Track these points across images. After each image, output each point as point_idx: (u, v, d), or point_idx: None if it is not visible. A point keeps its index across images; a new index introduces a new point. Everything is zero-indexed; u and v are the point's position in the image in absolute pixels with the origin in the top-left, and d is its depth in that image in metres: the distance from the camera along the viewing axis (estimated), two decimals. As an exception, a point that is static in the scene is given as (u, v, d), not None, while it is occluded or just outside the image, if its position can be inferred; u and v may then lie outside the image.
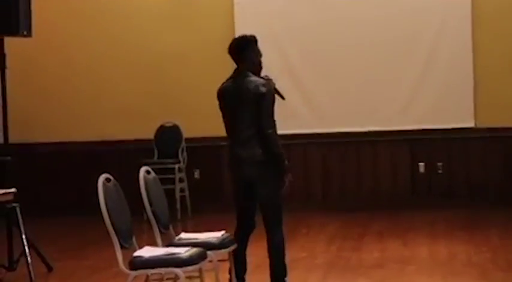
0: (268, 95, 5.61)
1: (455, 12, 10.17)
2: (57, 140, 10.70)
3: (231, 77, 5.74)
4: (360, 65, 10.30)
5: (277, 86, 5.80)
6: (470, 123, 10.18)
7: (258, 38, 5.78)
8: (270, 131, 5.59)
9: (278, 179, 5.68)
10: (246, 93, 5.60)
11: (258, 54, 5.74)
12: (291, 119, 10.17)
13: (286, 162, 5.67)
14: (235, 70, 5.75)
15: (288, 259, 7.30)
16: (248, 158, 5.64)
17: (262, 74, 5.76)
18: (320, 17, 10.35)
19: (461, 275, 6.47)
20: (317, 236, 8.53)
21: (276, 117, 5.70)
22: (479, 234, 8.27)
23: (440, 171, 10.32)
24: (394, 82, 10.27)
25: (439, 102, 10.19)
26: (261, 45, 5.79)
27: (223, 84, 5.76)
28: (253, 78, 5.65)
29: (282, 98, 5.84)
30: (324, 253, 7.60)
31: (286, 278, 5.76)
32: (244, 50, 5.69)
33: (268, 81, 5.68)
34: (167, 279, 5.16)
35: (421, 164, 10.36)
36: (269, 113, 5.62)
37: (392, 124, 10.28)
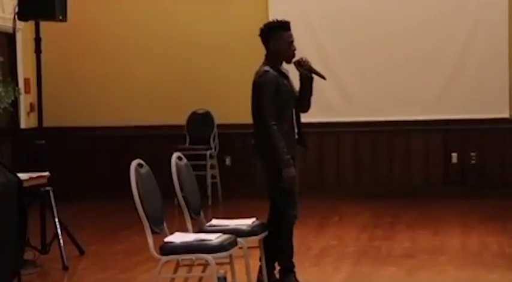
0: (256, 86, 5.59)
1: (492, 2, 10.06)
2: (91, 125, 10.78)
3: None
4: (395, 53, 10.23)
5: (314, 67, 5.76)
6: (504, 114, 10.08)
7: (292, 25, 5.74)
8: (267, 122, 5.53)
9: (273, 172, 5.61)
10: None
11: (285, 39, 5.65)
12: (323, 107, 10.13)
13: (287, 157, 5.53)
14: None
15: (318, 247, 7.31)
16: (253, 147, 5.79)
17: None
18: (354, 4, 10.30)
19: (492, 267, 6.42)
20: (348, 225, 8.51)
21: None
22: (512, 226, 8.21)
23: (473, 162, 10.24)
24: (428, 72, 10.19)
25: (474, 92, 10.10)
26: (295, 33, 5.74)
27: None
28: (260, 68, 5.65)
29: (323, 78, 5.79)
30: (355, 242, 7.59)
31: (294, 269, 5.75)
32: (268, 36, 5.67)
33: (264, 73, 5.59)
34: (197, 265, 5.18)
35: (454, 154, 10.28)
36: (262, 104, 5.55)
37: (425, 114, 10.21)
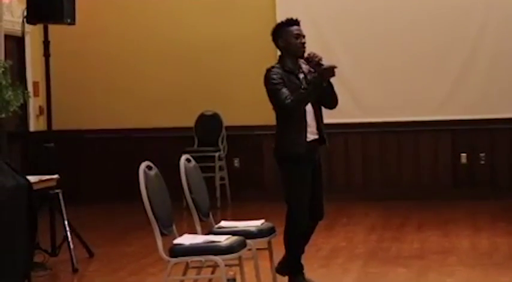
0: (264, 81, 5.60)
1: (501, 2, 10.04)
2: (100, 127, 10.80)
3: None
4: (403, 53, 10.21)
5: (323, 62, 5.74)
6: (514, 114, 10.06)
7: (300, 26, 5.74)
8: (286, 102, 5.48)
9: (284, 175, 5.67)
10: None
11: (291, 32, 5.64)
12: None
13: (309, 86, 5.57)
14: None
15: (327, 249, 7.31)
16: (273, 150, 5.79)
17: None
18: (362, 5, 10.29)
19: (503, 267, 6.40)
20: (357, 226, 8.50)
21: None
22: (522, 226, 8.19)
23: (482, 162, 10.21)
24: (437, 72, 10.17)
25: (483, 92, 10.08)
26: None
27: None
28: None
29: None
30: (364, 243, 7.58)
31: (303, 270, 5.76)
32: (276, 36, 5.70)
33: (267, 70, 5.63)
34: (207, 267, 5.19)
35: (463, 155, 10.26)
36: (272, 88, 5.53)
37: (434, 114, 10.19)
